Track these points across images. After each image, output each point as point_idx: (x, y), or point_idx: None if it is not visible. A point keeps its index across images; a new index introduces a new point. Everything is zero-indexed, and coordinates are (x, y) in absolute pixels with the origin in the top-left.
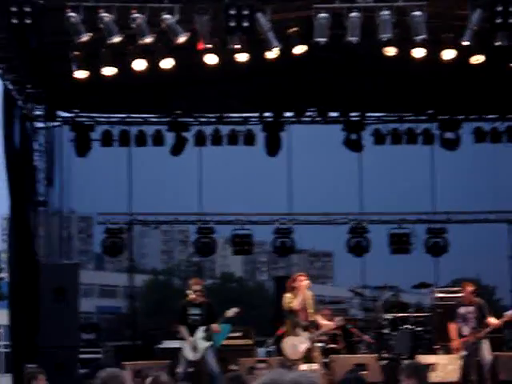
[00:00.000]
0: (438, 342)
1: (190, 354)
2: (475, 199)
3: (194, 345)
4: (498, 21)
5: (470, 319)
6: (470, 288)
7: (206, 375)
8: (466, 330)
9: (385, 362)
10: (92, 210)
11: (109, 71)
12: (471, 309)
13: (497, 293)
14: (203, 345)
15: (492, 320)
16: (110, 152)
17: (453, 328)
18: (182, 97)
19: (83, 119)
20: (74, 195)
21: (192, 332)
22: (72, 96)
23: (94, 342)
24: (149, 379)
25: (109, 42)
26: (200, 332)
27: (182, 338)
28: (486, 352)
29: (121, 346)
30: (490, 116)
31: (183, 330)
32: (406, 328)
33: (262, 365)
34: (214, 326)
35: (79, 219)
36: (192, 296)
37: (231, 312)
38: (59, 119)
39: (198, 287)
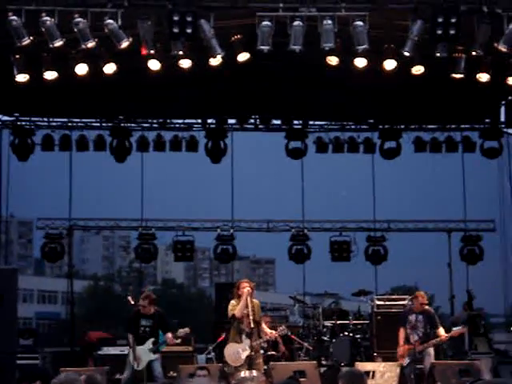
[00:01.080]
0: (376, 349)
1: (134, 363)
2: (415, 208)
3: (140, 355)
4: (439, 32)
5: (419, 327)
6: (422, 299)
7: None
8: (413, 338)
9: (324, 368)
10: (32, 214)
11: (50, 75)
12: (421, 317)
13: (436, 301)
14: (150, 357)
15: (442, 332)
16: (51, 156)
17: (401, 333)
18: (124, 102)
19: (24, 123)
20: (14, 199)
21: (141, 343)
22: (12, 100)
23: (32, 347)
24: (83, 377)
25: (50, 45)
26: (149, 344)
27: (129, 346)
28: (430, 360)
29: (59, 352)
30: (430, 126)
31: (131, 338)
32: (346, 335)
33: (203, 372)
34: (169, 338)
35: (19, 224)
36: (143, 307)
37: (182, 332)
38: None
39: (145, 302)
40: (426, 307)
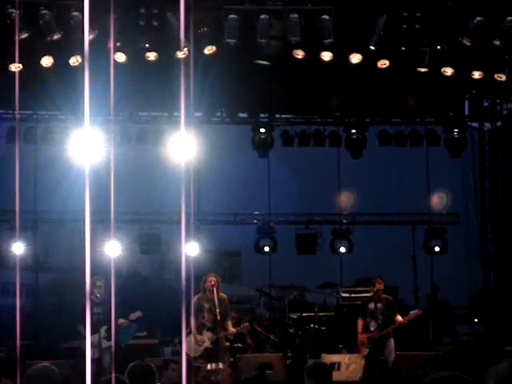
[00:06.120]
0: (342, 341)
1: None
2: (380, 201)
3: (95, 343)
4: (404, 26)
5: (378, 315)
6: (379, 285)
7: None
8: (373, 326)
9: (290, 360)
10: None
11: (15, 67)
12: (380, 305)
13: (399, 293)
14: (104, 344)
15: (398, 318)
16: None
17: (360, 323)
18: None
19: None
20: None
21: (94, 331)
22: None
23: None
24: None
25: (16, 37)
26: (102, 331)
27: (84, 337)
28: (391, 350)
29: (24, 345)
30: (395, 119)
31: (82, 329)
32: (311, 327)
33: (177, 366)
34: (122, 321)
35: None
36: (94, 294)
37: (134, 316)
38: None
39: (99, 283)
40: (385, 295)
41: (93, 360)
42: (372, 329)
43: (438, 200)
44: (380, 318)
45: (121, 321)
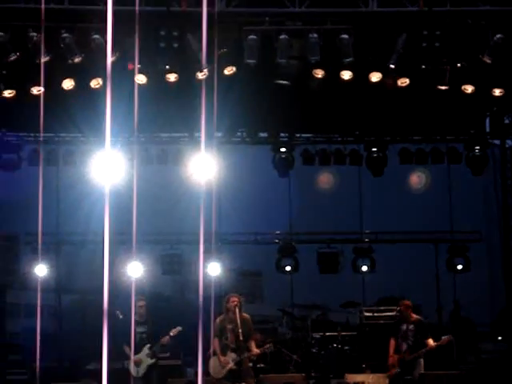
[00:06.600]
0: (365, 360)
1: (134, 371)
2: (402, 219)
3: (139, 362)
4: (424, 44)
5: (409, 337)
6: (401, 306)
7: None
8: (403, 347)
9: (313, 380)
10: (19, 229)
11: (37, 90)
12: (411, 326)
13: (423, 312)
14: (148, 362)
15: (430, 341)
16: (38, 171)
17: (392, 344)
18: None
19: (11, 138)
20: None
21: (138, 350)
22: None
23: (20, 362)
24: None
25: (37, 61)
26: (146, 349)
27: (127, 357)
28: (420, 370)
29: (47, 368)
30: (416, 137)
31: (127, 349)
32: (334, 347)
33: None
34: (165, 339)
35: (4, 238)
36: (137, 314)
37: (175, 331)
38: None
39: (141, 303)
40: (417, 316)
41: (136, 378)
42: (402, 350)
43: (417, 179)
44: (411, 340)
45: (164, 338)
